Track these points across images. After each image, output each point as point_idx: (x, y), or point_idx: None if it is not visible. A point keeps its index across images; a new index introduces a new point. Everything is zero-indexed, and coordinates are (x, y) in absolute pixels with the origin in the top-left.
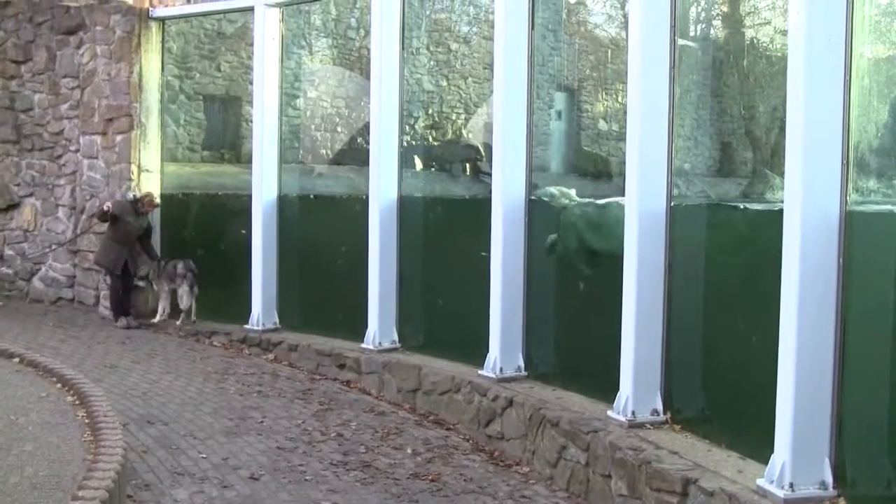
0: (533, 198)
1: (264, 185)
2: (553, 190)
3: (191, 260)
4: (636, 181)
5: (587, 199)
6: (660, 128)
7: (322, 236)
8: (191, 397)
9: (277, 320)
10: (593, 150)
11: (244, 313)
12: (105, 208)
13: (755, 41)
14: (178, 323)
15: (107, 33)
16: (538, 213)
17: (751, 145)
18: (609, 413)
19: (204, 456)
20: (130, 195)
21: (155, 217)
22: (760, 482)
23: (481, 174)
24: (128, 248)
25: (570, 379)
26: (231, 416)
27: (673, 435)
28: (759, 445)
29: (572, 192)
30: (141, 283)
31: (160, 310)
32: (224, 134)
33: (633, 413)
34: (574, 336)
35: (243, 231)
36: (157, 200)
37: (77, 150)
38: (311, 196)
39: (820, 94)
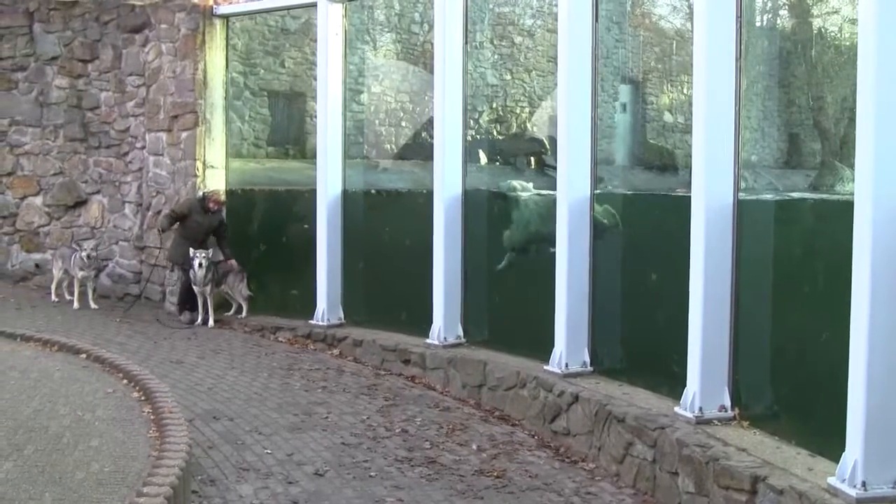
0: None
1: (329, 181)
2: (514, 183)
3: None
4: (702, 174)
5: (539, 192)
6: (726, 119)
7: (386, 231)
8: (256, 393)
9: (342, 316)
10: (658, 142)
11: (309, 309)
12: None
13: (823, 30)
14: (241, 316)
15: (171, 31)
16: (606, 204)
17: (819, 136)
18: (676, 409)
19: (269, 451)
20: (199, 193)
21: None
22: (832, 480)
23: (546, 167)
24: (197, 244)
25: (636, 374)
26: (296, 411)
27: (741, 431)
28: (830, 443)
29: (530, 185)
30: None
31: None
32: (288, 130)
33: (701, 409)
34: (641, 331)
35: (306, 226)
36: (223, 197)
37: (143, 147)
38: (376, 191)
39: (891, 83)
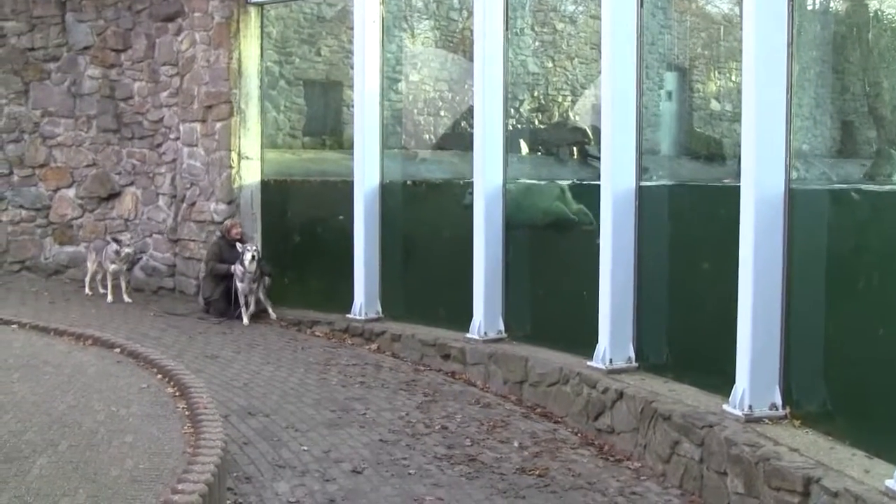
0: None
1: (366, 172)
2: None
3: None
4: (752, 164)
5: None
6: (776, 107)
7: (425, 223)
8: (292, 388)
9: (380, 309)
10: (706, 131)
11: (346, 302)
12: (231, 269)
13: (880, 13)
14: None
15: (205, 20)
16: (650, 198)
17: (875, 124)
18: (725, 407)
19: (305, 448)
20: (217, 232)
21: (255, 204)
22: (890, 483)
23: (589, 158)
24: (223, 279)
25: (683, 370)
26: (333, 407)
27: (793, 431)
28: (887, 443)
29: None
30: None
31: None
32: (325, 119)
33: (750, 407)
34: (688, 326)
35: (342, 217)
36: (240, 226)
37: (177, 138)
38: (414, 182)
39: None
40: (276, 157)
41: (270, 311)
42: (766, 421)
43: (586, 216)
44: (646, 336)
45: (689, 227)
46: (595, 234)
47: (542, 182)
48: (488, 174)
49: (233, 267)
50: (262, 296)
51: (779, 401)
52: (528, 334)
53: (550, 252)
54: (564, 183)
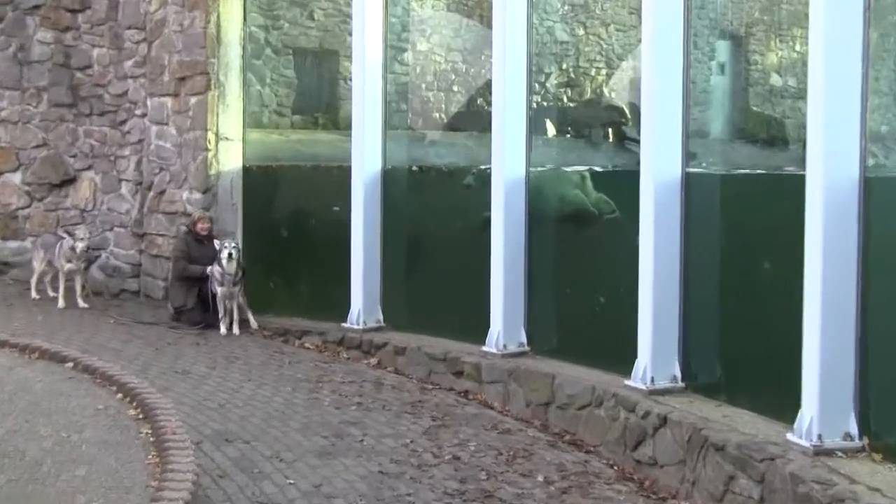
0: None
1: (366, 156)
2: None
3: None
4: (820, 148)
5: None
6: (850, 82)
7: (435, 217)
8: (277, 410)
9: (381, 318)
10: (764, 110)
11: (341, 310)
12: (208, 271)
13: None
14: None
15: None
16: (698, 188)
17: None
18: (788, 436)
19: (292, 482)
20: (182, 228)
21: (236, 193)
22: None
23: (627, 141)
24: (196, 283)
25: (737, 392)
26: (325, 433)
27: (872, 466)
28: None
29: None
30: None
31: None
32: (318, 95)
33: (820, 437)
34: (744, 339)
35: (337, 209)
36: (208, 221)
37: (143, 115)
38: (422, 168)
39: None
40: (261, 138)
41: (251, 318)
42: (839, 454)
43: (607, 205)
44: (694, 351)
45: (745, 222)
46: (629, 228)
47: (573, 169)
48: (509, 160)
49: (209, 269)
50: (242, 300)
51: (854, 430)
52: (555, 347)
53: (581, 251)
54: (582, 168)
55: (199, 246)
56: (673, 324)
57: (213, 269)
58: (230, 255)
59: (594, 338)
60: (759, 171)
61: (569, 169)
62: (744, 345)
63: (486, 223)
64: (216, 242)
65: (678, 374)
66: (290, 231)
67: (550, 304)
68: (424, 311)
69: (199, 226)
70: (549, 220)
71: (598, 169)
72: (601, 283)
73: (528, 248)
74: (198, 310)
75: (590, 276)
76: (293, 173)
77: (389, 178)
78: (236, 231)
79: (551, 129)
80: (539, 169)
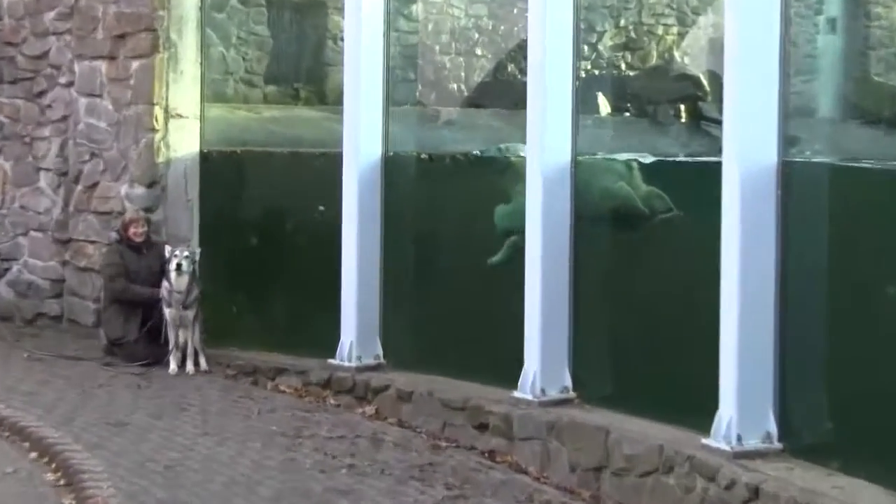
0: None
1: (362, 139)
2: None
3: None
4: None
5: None
6: None
7: (451, 220)
8: (242, 474)
9: (381, 352)
10: (890, 80)
11: (328, 341)
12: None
13: None
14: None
15: None
16: (801, 183)
17: None
18: None
19: None
20: (113, 234)
21: (191, 187)
22: None
23: (705, 121)
24: (140, 307)
25: (855, 456)
26: None
27: None
28: None
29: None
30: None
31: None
32: (299, 59)
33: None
34: (863, 385)
35: (322, 208)
36: (142, 227)
37: (70, 84)
38: (434, 156)
39: None
40: (225, 115)
41: (202, 358)
42: None
43: (661, 201)
44: (795, 401)
45: (863, 227)
46: (704, 235)
47: (627, 157)
48: (549, 145)
49: (163, 290)
50: (197, 332)
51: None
52: (609, 394)
53: (638, 264)
54: (626, 156)
55: (136, 257)
56: (766, 363)
57: (163, 288)
58: (179, 266)
59: (661, 381)
60: (883, 163)
61: (622, 157)
62: (866, 394)
63: (509, 246)
64: (166, 250)
65: (773, 430)
66: (261, 238)
67: (603, 336)
68: (438, 344)
69: (132, 230)
70: (591, 222)
71: (664, 158)
72: (668, 308)
73: (574, 261)
74: (142, 342)
75: (652, 297)
76: (266, 162)
77: (392, 168)
78: (191, 237)
79: (604, 106)
80: (587, 157)
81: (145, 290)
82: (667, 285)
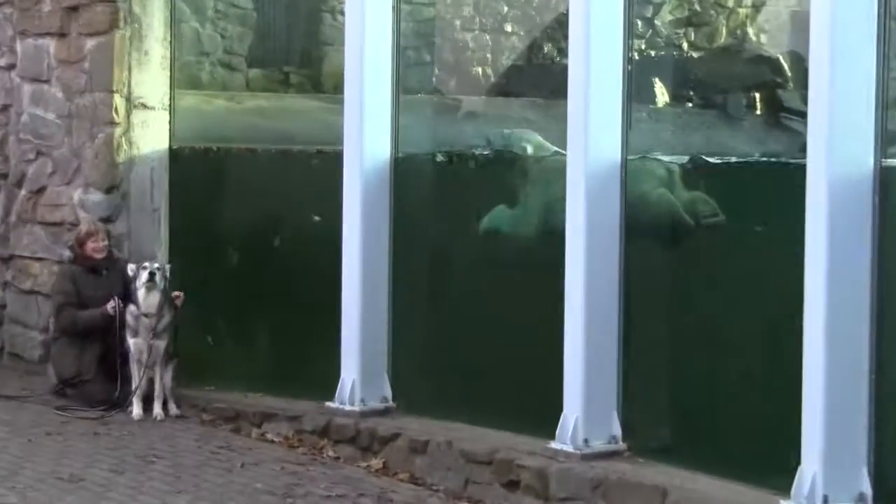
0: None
1: (366, 135)
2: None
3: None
4: None
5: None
6: None
7: (474, 234)
8: None
9: (389, 394)
10: None
11: (325, 381)
12: (110, 310)
13: None
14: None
15: None
16: None
17: None
18: None
19: None
20: (66, 252)
21: (158, 193)
22: None
23: (784, 115)
24: (98, 337)
25: None
26: None
27: None
28: None
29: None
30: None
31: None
32: (289, 37)
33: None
34: None
35: (318, 218)
36: (101, 240)
37: (10, 67)
38: (452, 157)
39: None
40: (199, 105)
41: (170, 400)
42: None
43: (707, 206)
44: (891, 450)
45: None
46: (783, 251)
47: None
48: (594, 143)
49: (110, 306)
50: (165, 368)
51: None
52: (668, 444)
53: (703, 284)
54: (668, 159)
55: (93, 280)
56: (859, 405)
57: (126, 316)
58: (152, 277)
59: (727, 430)
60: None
61: (666, 159)
62: None
63: None
64: (130, 268)
65: (868, 490)
66: (243, 254)
67: (660, 376)
68: (458, 384)
69: (90, 245)
70: (644, 237)
71: (736, 159)
72: (741, 339)
73: (625, 284)
74: (99, 380)
75: (721, 327)
76: (249, 162)
77: (402, 171)
78: (157, 253)
79: (662, 95)
80: (641, 158)
81: (94, 312)
82: (737, 312)
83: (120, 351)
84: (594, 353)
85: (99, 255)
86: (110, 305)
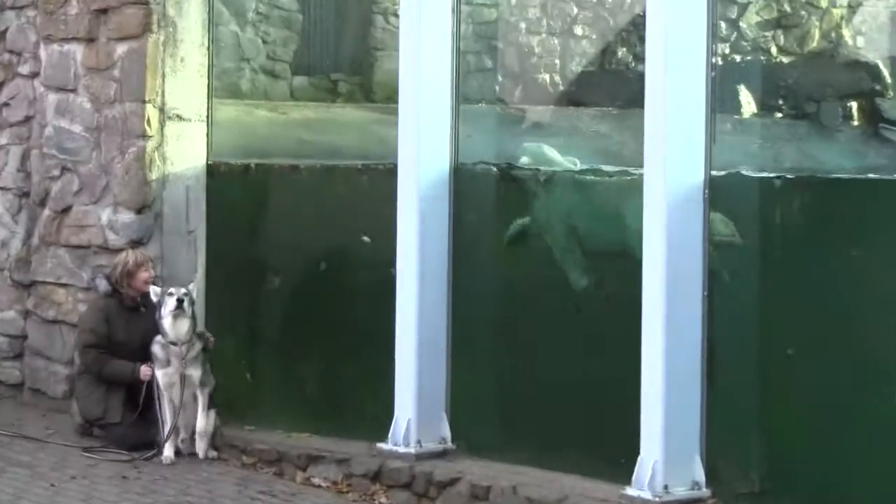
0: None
1: (422, 149)
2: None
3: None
4: None
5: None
6: None
7: (542, 261)
8: None
9: (448, 435)
10: None
11: (378, 419)
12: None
13: None
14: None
15: None
16: None
17: None
18: None
19: None
20: (102, 282)
21: (194, 213)
22: None
23: (884, 126)
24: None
25: None
26: None
27: None
28: None
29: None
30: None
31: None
32: (337, 42)
33: None
34: None
35: (366, 238)
36: (150, 271)
37: (34, 76)
38: (514, 173)
39: None
40: (239, 117)
41: (205, 438)
42: None
43: (724, 227)
44: None
45: None
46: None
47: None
48: (673, 156)
49: (145, 372)
50: (203, 395)
51: None
52: (757, 490)
53: (819, 326)
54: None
55: (130, 318)
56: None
57: (153, 346)
58: (180, 304)
59: (829, 473)
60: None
61: (755, 175)
62: None
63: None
64: (153, 292)
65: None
66: (286, 280)
67: (750, 413)
68: (524, 424)
69: (143, 276)
70: (730, 260)
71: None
72: (857, 382)
73: (708, 314)
74: (127, 421)
75: (833, 369)
76: (293, 179)
77: (463, 187)
78: (194, 279)
79: (748, 103)
80: (727, 174)
81: (124, 367)
82: (838, 346)
83: (152, 389)
84: (674, 390)
85: (147, 288)
86: (145, 372)
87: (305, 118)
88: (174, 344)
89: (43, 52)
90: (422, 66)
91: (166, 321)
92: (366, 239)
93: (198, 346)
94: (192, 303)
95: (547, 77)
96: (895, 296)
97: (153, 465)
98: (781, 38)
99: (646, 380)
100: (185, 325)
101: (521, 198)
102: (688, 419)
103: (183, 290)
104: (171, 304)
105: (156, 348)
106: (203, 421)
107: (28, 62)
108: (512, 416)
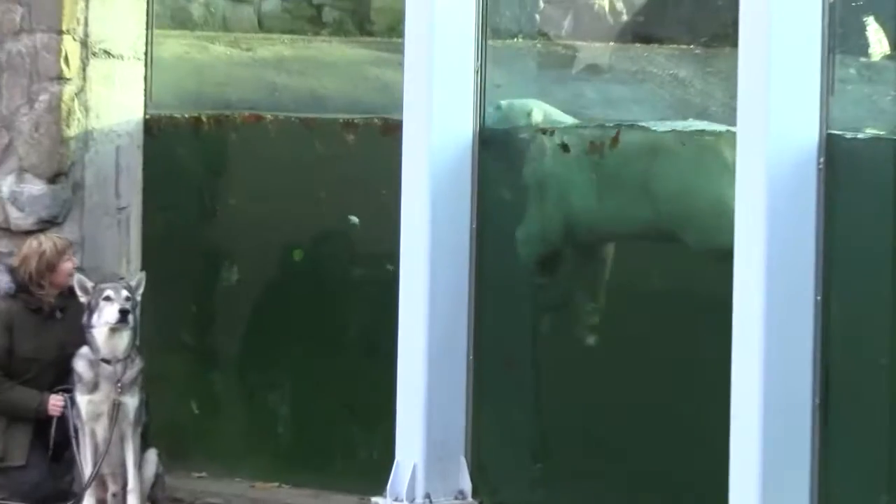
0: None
1: (435, 100)
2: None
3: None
4: None
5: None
6: None
7: (598, 244)
8: None
9: (468, 487)
10: None
11: (371, 465)
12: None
13: None
14: None
15: None
16: None
17: None
18: None
19: None
20: (3, 278)
21: (126, 183)
22: None
23: None
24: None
25: None
26: None
27: None
28: None
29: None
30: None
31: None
32: None
33: None
34: None
35: (353, 219)
36: (71, 260)
37: None
38: (569, 130)
39: None
40: (189, 53)
41: (131, 498)
42: None
43: None
44: None
45: None
46: None
47: None
48: (777, 113)
49: (57, 405)
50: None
51: None
52: None
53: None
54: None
55: (41, 324)
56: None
57: (75, 362)
58: (124, 314)
59: None
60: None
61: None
62: None
63: None
64: (79, 284)
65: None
66: (247, 275)
67: (867, 462)
68: (565, 474)
69: (65, 267)
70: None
71: None
72: None
73: (823, 325)
74: (35, 465)
75: None
76: (260, 137)
77: (492, 151)
78: (125, 272)
79: (879, 43)
80: (848, 135)
81: (30, 398)
82: None
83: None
84: (774, 436)
85: (68, 282)
86: (54, 405)
87: (277, 56)
88: (107, 362)
89: None
90: None
91: (99, 332)
92: (353, 220)
93: (138, 364)
94: (135, 307)
95: (605, 3)
96: None
97: None
98: None
99: (736, 404)
100: (125, 339)
101: (576, 161)
102: (797, 465)
103: (125, 294)
104: (110, 313)
105: (80, 365)
106: (134, 470)
107: None
108: (550, 465)
